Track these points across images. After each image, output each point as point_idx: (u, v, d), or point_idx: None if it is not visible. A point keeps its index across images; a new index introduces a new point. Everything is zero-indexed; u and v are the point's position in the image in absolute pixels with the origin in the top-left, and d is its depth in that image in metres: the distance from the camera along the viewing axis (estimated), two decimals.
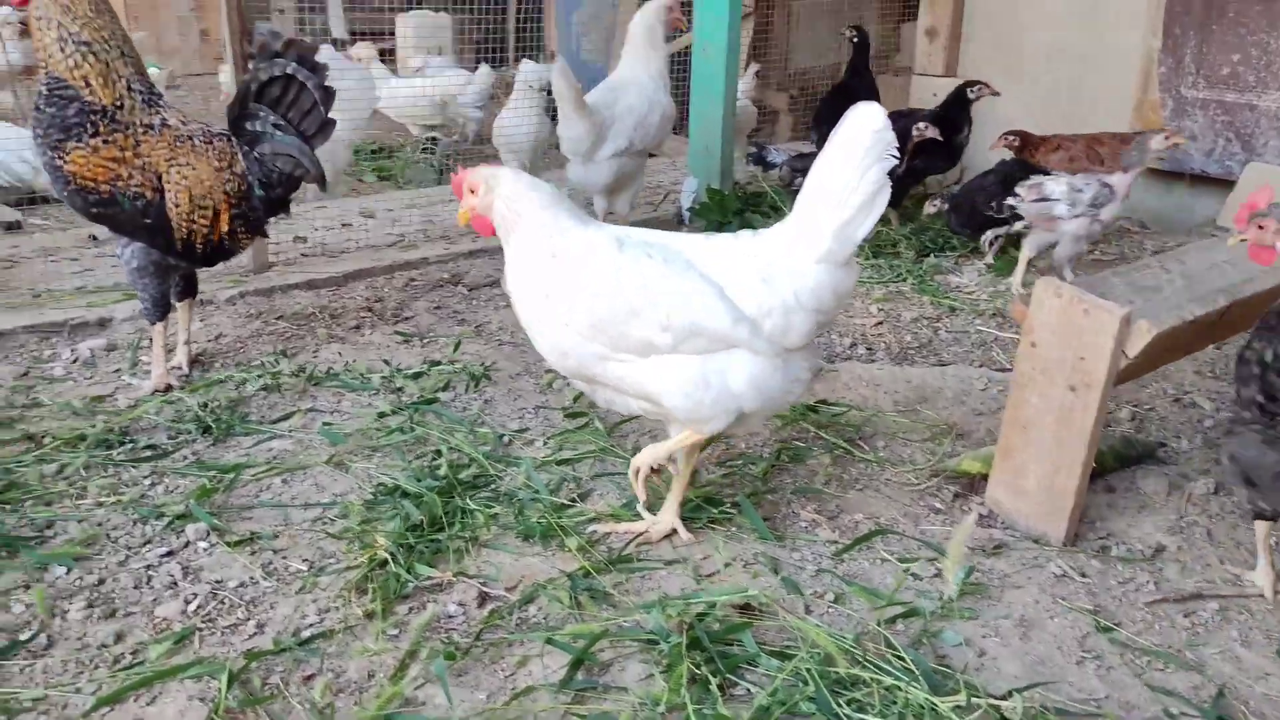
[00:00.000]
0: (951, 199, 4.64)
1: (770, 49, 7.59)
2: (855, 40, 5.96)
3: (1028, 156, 4.97)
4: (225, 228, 3.01)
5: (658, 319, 2.21)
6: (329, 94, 3.10)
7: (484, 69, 7.27)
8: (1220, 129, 5.16)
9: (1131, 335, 2.44)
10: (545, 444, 2.89)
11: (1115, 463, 2.90)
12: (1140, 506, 2.73)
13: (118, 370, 3.23)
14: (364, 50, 7.25)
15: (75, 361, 3.27)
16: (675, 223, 5.23)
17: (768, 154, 4.71)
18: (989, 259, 4.66)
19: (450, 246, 4.52)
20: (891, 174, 2.28)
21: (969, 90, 4.97)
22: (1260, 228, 2.20)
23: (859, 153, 2.21)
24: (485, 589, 2.23)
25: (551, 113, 4.92)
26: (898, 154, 2.28)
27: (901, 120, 4.72)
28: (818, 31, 7.86)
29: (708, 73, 5.24)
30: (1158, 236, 5.16)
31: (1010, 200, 4.27)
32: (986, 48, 6.16)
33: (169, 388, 3.07)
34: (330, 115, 3.13)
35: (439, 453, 2.77)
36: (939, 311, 4.19)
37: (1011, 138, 5.12)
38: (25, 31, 7.81)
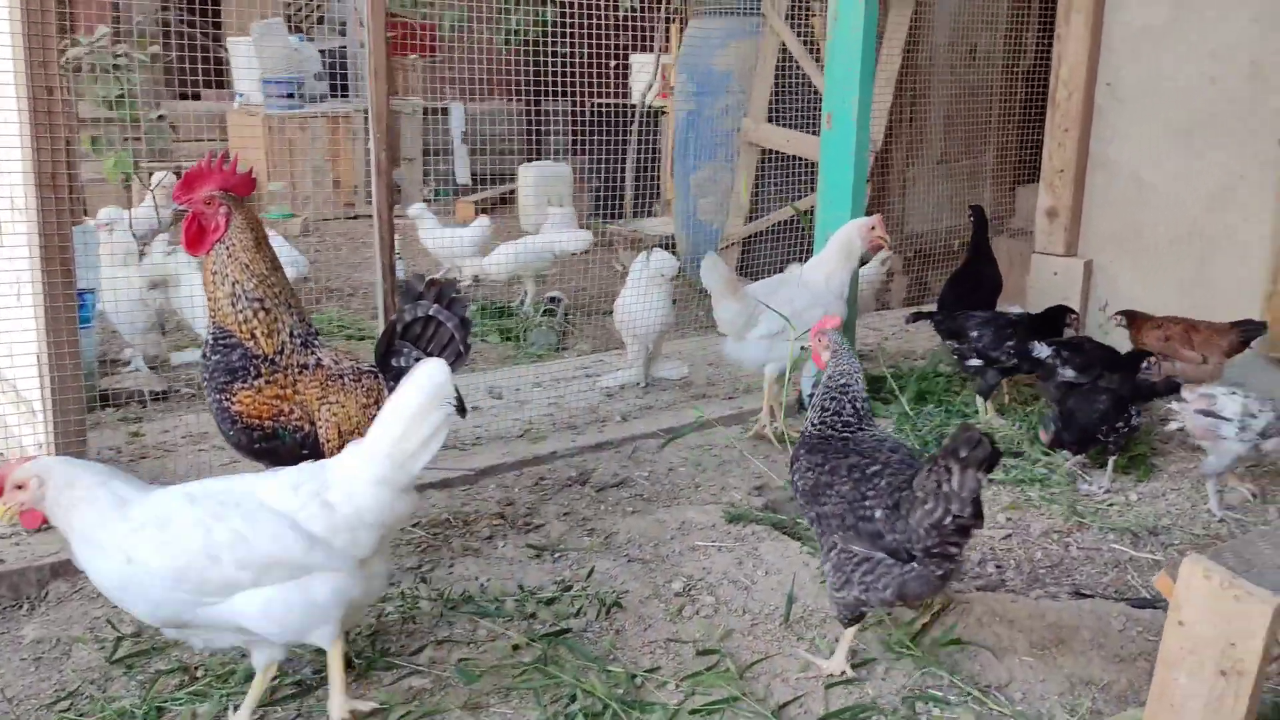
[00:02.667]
0: (1061, 420, 4.51)
1: (885, 214, 7.68)
2: (973, 219, 6.02)
3: (1134, 334, 5.12)
4: None
5: (235, 560, 2.45)
6: (466, 326, 3.27)
7: (483, 220, 7.90)
8: None
9: None
10: (677, 687, 2.90)
11: None
12: None
13: None
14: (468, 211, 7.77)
15: None
16: (796, 408, 5.27)
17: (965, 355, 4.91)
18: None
19: (577, 438, 4.63)
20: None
21: (1066, 318, 5.01)
22: None
23: (419, 403, 2.57)
24: None
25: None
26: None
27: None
28: (932, 196, 7.96)
29: None
30: None
31: (1175, 405, 4.22)
32: (1109, 230, 6.14)
33: None
34: (461, 347, 3.28)
35: (573, 697, 2.82)
36: (1069, 524, 4.11)
37: (1119, 317, 5.26)
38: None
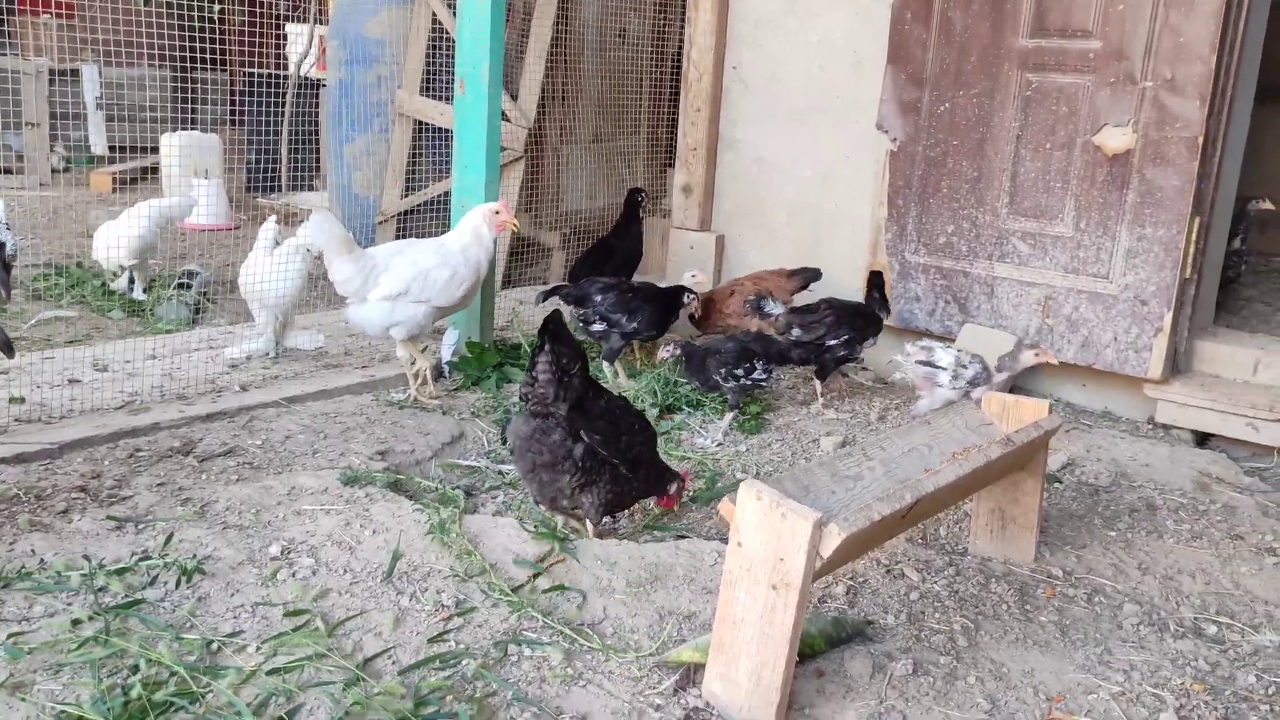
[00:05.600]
0: (686, 347, 4.83)
1: (542, 190, 7.80)
2: (627, 199, 6.30)
3: (712, 319, 5.57)
4: None
5: None
6: (5, 264, 2.99)
7: None
8: (940, 292, 5.63)
9: (824, 538, 2.59)
10: (258, 650, 2.77)
11: (826, 645, 3.03)
12: (846, 690, 2.86)
13: None
14: None
15: None
16: (434, 376, 5.20)
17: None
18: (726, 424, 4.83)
19: (186, 409, 4.33)
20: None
21: (685, 296, 5.36)
22: None
23: None
24: None
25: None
26: None
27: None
28: (587, 175, 8.15)
29: None
30: (886, 391, 5.53)
31: (897, 356, 4.65)
32: (737, 205, 6.54)
33: None
34: (8, 283, 3.00)
35: (136, 668, 2.61)
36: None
37: (691, 298, 5.52)
38: None
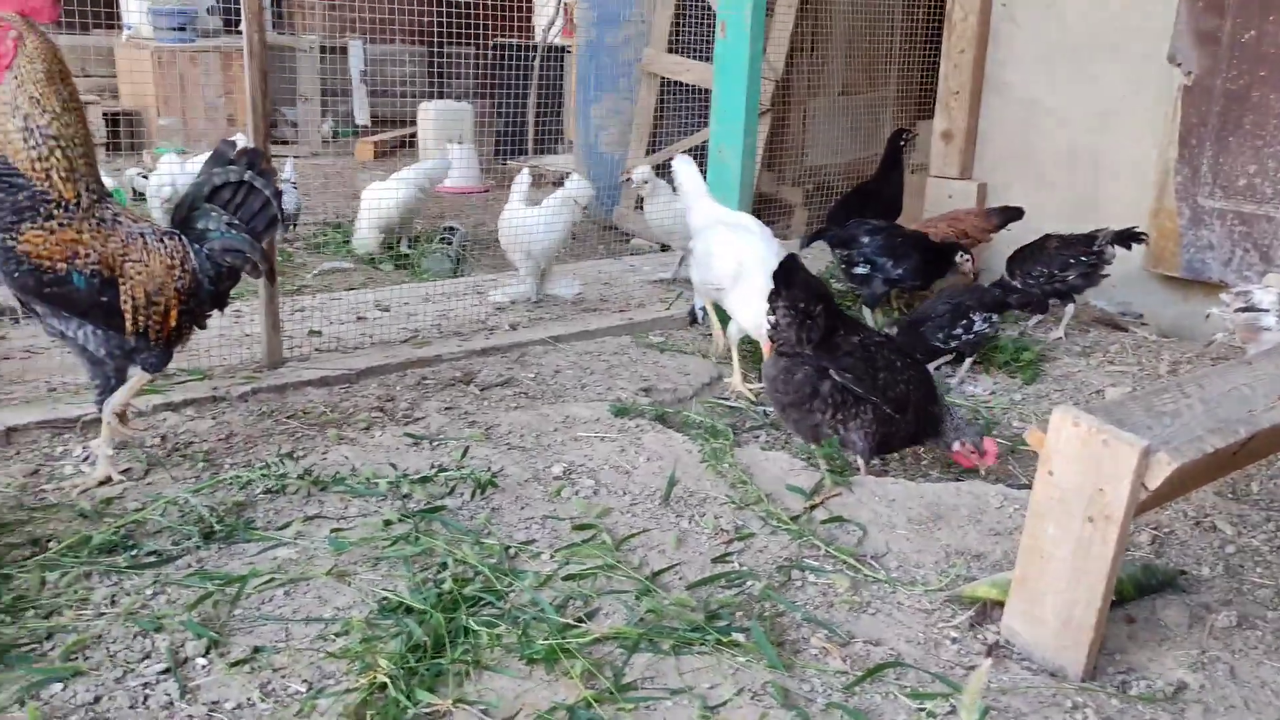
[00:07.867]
0: (901, 322, 4.64)
1: (786, 145, 7.69)
2: (889, 141, 6.14)
3: None
4: (174, 324, 3.08)
5: None
6: (279, 194, 3.21)
7: None
8: (1238, 239, 5.16)
9: (1151, 468, 2.40)
10: (552, 557, 2.84)
11: (1135, 592, 2.82)
12: (1161, 639, 2.65)
13: (127, 469, 3.21)
14: None
15: (87, 459, 3.25)
16: (688, 321, 5.23)
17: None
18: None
19: (463, 344, 4.52)
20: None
21: (959, 255, 5.05)
22: None
23: None
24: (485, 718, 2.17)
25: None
26: None
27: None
28: (833, 128, 7.96)
29: (723, 175, 5.27)
30: (1174, 345, 5.12)
31: (1213, 309, 4.29)
32: (1003, 152, 6.21)
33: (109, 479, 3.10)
34: (278, 213, 3.19)
35: (444, 565, 2.73)
36: None
37: (966, 258, 5.17)
38: None
